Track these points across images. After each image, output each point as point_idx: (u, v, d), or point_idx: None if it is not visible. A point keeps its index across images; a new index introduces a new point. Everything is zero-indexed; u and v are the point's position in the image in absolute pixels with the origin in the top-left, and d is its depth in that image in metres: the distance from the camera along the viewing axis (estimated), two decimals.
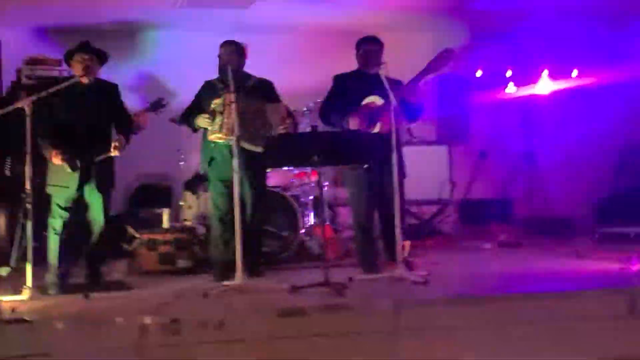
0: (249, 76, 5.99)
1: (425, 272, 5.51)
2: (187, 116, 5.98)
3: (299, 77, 7.91)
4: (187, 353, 4.09)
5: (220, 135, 5.60)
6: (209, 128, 5.68)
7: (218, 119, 5.60)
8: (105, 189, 5.59)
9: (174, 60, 8.15)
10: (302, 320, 4.36)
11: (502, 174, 8.71)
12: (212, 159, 5.90)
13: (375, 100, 5.66)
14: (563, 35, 8.43)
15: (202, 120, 5.75)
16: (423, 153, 7.28)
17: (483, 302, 4.63)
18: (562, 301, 4.66)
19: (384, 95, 5.51)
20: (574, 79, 8.70)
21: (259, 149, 5.63)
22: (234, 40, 5.98)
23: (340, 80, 5.99)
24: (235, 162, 5.25)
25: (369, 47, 5.89)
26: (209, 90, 5.92)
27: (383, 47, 5.90)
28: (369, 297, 4.89)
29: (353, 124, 5.70)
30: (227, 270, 5.53)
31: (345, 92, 5.88)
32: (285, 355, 4.10)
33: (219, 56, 5.85)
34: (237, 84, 5.53)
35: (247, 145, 5.60)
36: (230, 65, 5.59)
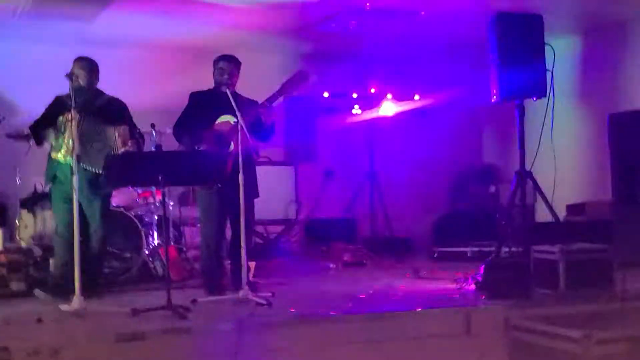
0: (100, 94, 5.85)
1: (270, 293, 5.53)
2: (35, 128, 5.77)
3: (146, 93, 7.82)
4: None
5: (61, 154, 5.48)
6: (53, 144, 5.54)
7: (60, 137, 5.47)
8: None
9: (11, 73, 7.79)
10: (142, 345, 4.27)
11: (347, 194, 8.89)
12: (55, 177, 5.72)
13: (229, 119, 5.65)
14: (405, 60, 8.77)
15: (49, 134, 5.64)
16: (269, 173, 7.27)
17: (321, 322, 4.74)
18: (403, 320, 4.82)
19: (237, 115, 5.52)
20: (415, 102, 9.03)
21: (98, 170, 5.55)
22: (86, 57, 5.86)
23: (196, 98, 5.96)
24: (75, 180, 5.06)
25: (224, 65, 5.89)
26: (59, 106, 5.73)
27: (239, 65, 5.93)
28: (211, 320, 4.85)
29: (204, 144, 5.68)
30: (61, 290, 5.38)
31: (200, 109, 5.85)
32: None
33: (71, 72, 5.64)
34: (86, 102, 5.42)
35: (86, 166, 5.52)
36: (80, 82, 5.57)
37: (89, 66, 5.84)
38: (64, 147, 5.51)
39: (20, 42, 7.88)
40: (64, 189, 5.61)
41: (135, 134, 5.79)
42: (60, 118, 5.59)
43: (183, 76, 8.09)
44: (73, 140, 5.18)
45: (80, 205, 5.22)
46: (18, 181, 6.94)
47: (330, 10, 7.37)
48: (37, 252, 6.35)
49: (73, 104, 5.16)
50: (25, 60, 7.84)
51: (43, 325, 4.70)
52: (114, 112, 5.83)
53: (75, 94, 5.20)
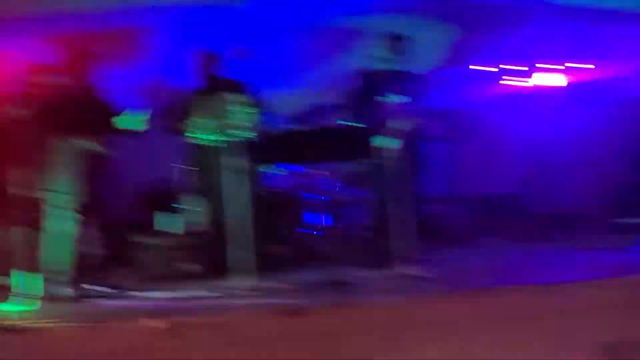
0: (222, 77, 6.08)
1: (433, 268, 5.38)
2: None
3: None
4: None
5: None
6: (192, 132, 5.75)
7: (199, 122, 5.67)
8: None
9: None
10: (309, 320, 4.25)
11: (515, 168, 8.57)
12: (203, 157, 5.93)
13: None
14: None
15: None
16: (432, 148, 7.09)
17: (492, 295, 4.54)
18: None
19: None
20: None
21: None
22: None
23: None
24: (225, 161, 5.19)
25: None
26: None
27: None
28: (376, 292, 4.78)
29: None
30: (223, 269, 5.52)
31: None
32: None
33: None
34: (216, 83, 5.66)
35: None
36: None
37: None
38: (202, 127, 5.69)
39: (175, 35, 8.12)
40: (212, 173, 5.81)
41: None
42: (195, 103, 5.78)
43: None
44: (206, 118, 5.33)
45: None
46: (181, 167, 7.16)
47: None
48: (209, 235, 6.52)
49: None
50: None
51: (214, 302, 4.80)
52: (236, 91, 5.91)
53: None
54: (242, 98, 5.72)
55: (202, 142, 5.78)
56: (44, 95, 5.35)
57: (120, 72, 7.55)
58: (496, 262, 6.06)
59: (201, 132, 5.76)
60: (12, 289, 5.26)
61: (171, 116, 6.04)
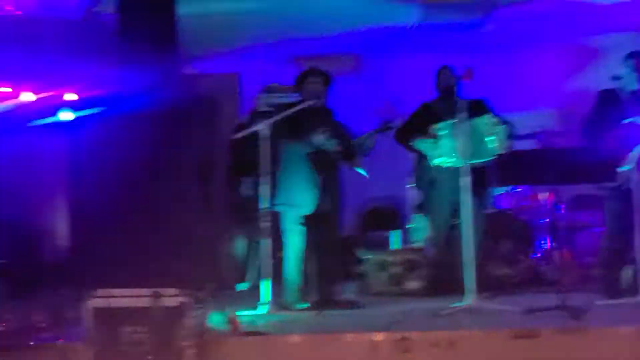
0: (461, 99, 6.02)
1: None
2: (401, 133, 6.14)
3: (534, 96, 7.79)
4: None
5: (443, 159, 5.66)
6: (431, 153, 5.77)
7: (441, 142, 5.65)
8: (335, 208, 5.74)
9: (402, 83, 8.23)
10: (536, 342, 4.18)
11: None
12: (434, 181, 5.93)
13: None
14: None
15: (423, 144, 5.91)
16: None
17: None
18: None
19: None
20: None
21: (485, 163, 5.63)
22: (448, 66, 6.14)
23: (602, 97, 5.68)
24: (464, 182, 5.18)
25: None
26: (425, 112, 6.11)
27: None
28: (608, 322, 4.59)
29: None
30: (449, 288, 5.62)
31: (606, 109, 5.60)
32: None
33: (441, 80, 6.05)
34: (454, 104, 5.60)
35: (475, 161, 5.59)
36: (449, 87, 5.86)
37: (450, 72, 6.02)
38: (446, 149, 5.65)
39: (406, 54, 8.29)
40: (444, 192, 5.80)
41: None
42: (436, 125, 5.77)
43: (572, 77, 7.94)
44: (453, 140, 5.32)
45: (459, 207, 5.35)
46: (409, 186, 7.28)
47: None
48: (430, 252, 6.59)
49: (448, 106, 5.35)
50: (410, 71, 8.21)
51: (439, 320, 4.84)
52: (481, 111, 5.85)
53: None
54: (491, 119, 5.70)
55: (443, 163, 5.79)
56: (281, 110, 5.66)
57: (348, 91, 7.88)
58: None
59: (445, 152, 5.76)
60: (251, 297, 5.62)
61: (407, 133, 6.13)
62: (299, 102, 5.65)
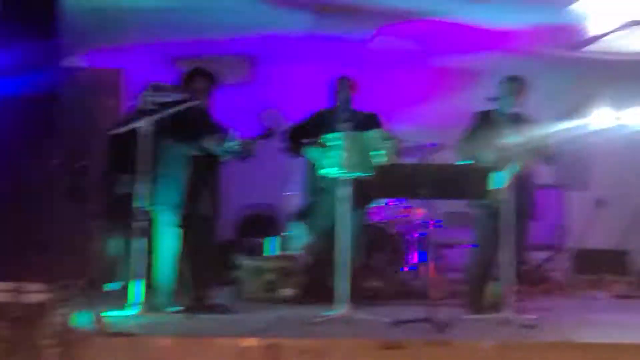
0: (355, 109, 6.10)
1: (533, 316, 5.31)
2: (293, 139, 6.17)
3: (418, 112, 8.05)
4: None
5: (331, 168, 5.70)
6: (318, 160, 5.81)
7: (332, 153, 5.70)
8: (213, 213, 5.69)
9: (290, 90, 8.27)
10: (402, 353, 4.27)
11: (620, 224, 8.31)
12: (320, 188, 5.97)
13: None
14: None
15: (313, 152, 5.92)
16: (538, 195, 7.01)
17: (589, 348, 4.44)
18: None
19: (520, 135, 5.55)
20: None
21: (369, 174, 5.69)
22: (348, 77, 6.17)
23: (479, 117, 5.89)
24: (343, 192, 5.24)
25: (513, 86, 5.82)
26: (319, 119, 6.13)
27: (526, 85, 5.87)
28: (472, 335, 4.76)
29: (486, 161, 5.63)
30: (322, 297, 5.65)
31: (482, 129, 5.81)
32: None
33: (340, 88, 6.02)
34: (350, 116, 5.68)
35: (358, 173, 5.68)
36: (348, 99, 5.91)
37: (351, 83, 6.10)
38: (335, 160, 5.70)
39: (295, 62, 8.35)
40: (328, 202, 5.85)
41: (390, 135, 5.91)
42: (328, 134, 5.83)
43: (451, 97, 8.22)
44: (342, 152, 5.38)
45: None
46: (289, 193, 7.32)
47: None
48: (306, 260, 6.64)
49: (340, 117, 5.39)
50: (298, 79, 8.28)
51: (309, 328, 4.87)
52: (373, 124, 6.01)
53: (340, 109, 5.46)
54: (381, 134, 5.77)
55: (330, 173, 5.83)
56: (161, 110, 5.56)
57: (237, 95, 7.85)
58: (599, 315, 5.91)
59: (333, 163, 5.81)
60: (121, 297, 5.48)
61: (292, 140, 6.17)
62: (183, 102, 5.58)
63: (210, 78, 5.76)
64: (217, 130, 5.74)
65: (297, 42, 7.56)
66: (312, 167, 6.06)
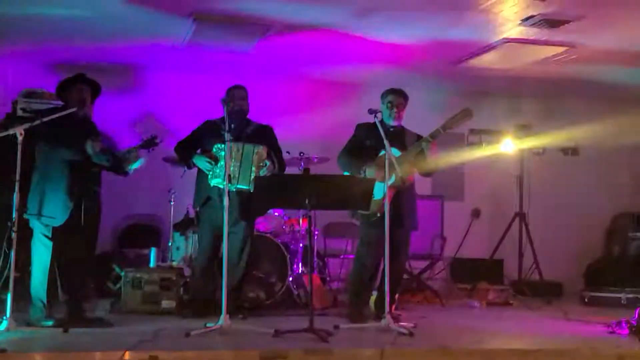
0: (249, 120, 6.08)
1: (412, 324, 5.44)
2: (180, 148, 6.10)
3: (298, 123, 8.08)
4: None
5: (220, 179, 5.69)
6: (209, 170, 5.78)
7: (220, 164, 5.68)
8: (92, 223, 5.54)
9: (169, 100, 8.18)
10: None
11: (494, 233, 8.65)
12: (208, 199, 5.92)
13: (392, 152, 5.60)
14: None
15: (202, 163, 5.86)
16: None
17: (463, 354, 4.60)
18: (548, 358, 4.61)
19: (402, 148, 5.70)
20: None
21: (250, 189, 5.72)
22: (241, 85, 6.12)
23: (362, 129, 5.99)
24: (226, 202, 5.21)
25: (392, 99, 5.93)
26: (208, 129, 6.05)
27: (407, 99, 5.98)
28: (353, 344, 4.83)
29: (370, 173, 5.72)
30: (204, 308, 5.70)
31: (364, 141, 5.91)
32: None
33: (229, 99, 5.82)
34: (239, 126, 5.65)
35: (242, 185, 5.74)
36: (238, 110, 5.83)
37: (243, 94, 6.07)
38: (223, 171, 5.69)
39: (182, 71, 8.27)
40: (215, 212, 5.81)
41: (272, 156, 5.94)
42: (217, 145, 5.81)
43: (335, 109, 8.34)
44: (225, 163, 5.36)
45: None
46: (172, 204, 7.23)
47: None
48: (187, 272, 6.58)
49: (227, 128, 5.35)
50: (182, 89, 8.21)
51: (190, 340, 4.82)
52: (264, 136, 6.03)
53: (231, 120, 5.42)
54: (263, 151, 5.86)
55: (219, 184, 5.79)
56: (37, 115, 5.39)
57: (117, 105, 7.69)
58: (471, 325, 6.11)
59: (216, 173, 5.79)
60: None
61: (186, 148, 6.09)
62: (62, 109, 5.42)
63: (91, 85, 5.62)
64: (98, 136, 5.60)
65: (179, 50, 7.49)
66: (202, 177, 6.00)
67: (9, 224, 5.05)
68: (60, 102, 5.65)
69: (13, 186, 5.05)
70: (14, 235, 5.03)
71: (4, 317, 4.94)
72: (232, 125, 5.54)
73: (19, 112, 6.94)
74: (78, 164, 5.40)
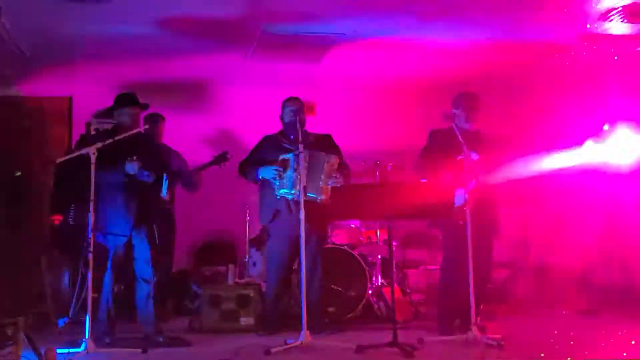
0: (307, 132, 5.97)
1: (499, 335, 5.19)
2: (246, 167, 5.98)
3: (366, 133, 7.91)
4: None
5: (288, 190, 5.56)
6: (277, 183, 5.66)
7: (288, 174, 5.56)
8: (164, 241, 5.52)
9: (240, 114, 8.13)
10: None
11: (581, 239, 8.28)
12: (278, 212, 5.80)
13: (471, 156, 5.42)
14: None
15: (269, 172, 5.71)
16: None
17: None
18: None
19: (480, 151, 5.47)
20: None
21: (322, 198, 5.60)
22: (296, 97, 6.03)
23: (437, 136, 5.82)
24: (302, 214, 5.10)
25: (471, 102, 5.74)
26: (268, 145, 5.95)
27: (480, 103, 5.79)
28: (439, 358, 4.63)
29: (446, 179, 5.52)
30: (277, 326, 5.67)
31: (441, 146, 5.71)
32: None
33: (289, 111, 5.85)
34: (303, 138, 5.55)
35: (316, 195, 5.59)
36: (300, 121, 5.68)
37: (300, 105, 5.96)
38: (292, 182, 5.60)
39: (251, 85, 8.21)
40: (287, 224, 5.70)
41: (341, 168, 5.81)
42: (283, 156, 5.72)
43: (407, 116, 8.15)
44: (299, 174, 5.26)
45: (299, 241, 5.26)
46: (247, 220, 7.15)
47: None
48: (266, 288, 6.45)
49: (300, 139, 5.27)
50: (252, 102, 8.15)
51: (271, 358, 4.69)
52: (327, 145, 5.92)
53: (291, 132, 5.34)
54: (331, 158, 5.75)
55: (287, 195, 5.69)
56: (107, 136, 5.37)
57: (188, 122, 7.68)
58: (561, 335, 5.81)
59: (288, 184, 5.70)
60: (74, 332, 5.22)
61: (250, 165, 6.01)
62: (125, 129, 5.41)
63: (138, 104, 5.58)
64: (156, 155, 5.55)
65: (245, 66, 7.44)
66: (267, 191, 5.89)
67: (85, 244, 5.03)
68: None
69: (86, 207, 5.03)
70: (90, 256, 5.00)
71: (83, 339, 4.91)
72: (292, 137, 5.53)
73: (94, 132, 7.00)
74: (126, 184, 5.37)
